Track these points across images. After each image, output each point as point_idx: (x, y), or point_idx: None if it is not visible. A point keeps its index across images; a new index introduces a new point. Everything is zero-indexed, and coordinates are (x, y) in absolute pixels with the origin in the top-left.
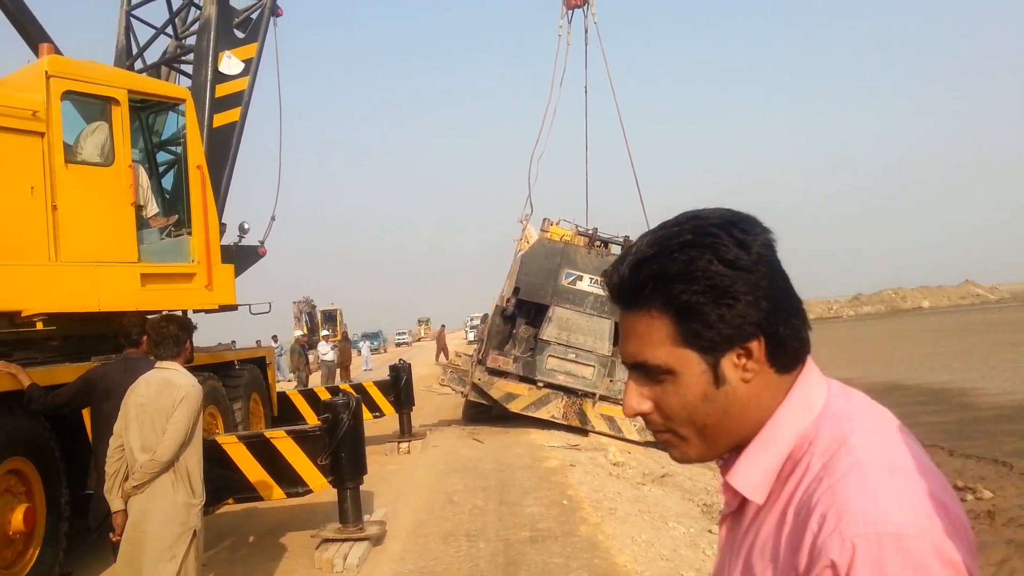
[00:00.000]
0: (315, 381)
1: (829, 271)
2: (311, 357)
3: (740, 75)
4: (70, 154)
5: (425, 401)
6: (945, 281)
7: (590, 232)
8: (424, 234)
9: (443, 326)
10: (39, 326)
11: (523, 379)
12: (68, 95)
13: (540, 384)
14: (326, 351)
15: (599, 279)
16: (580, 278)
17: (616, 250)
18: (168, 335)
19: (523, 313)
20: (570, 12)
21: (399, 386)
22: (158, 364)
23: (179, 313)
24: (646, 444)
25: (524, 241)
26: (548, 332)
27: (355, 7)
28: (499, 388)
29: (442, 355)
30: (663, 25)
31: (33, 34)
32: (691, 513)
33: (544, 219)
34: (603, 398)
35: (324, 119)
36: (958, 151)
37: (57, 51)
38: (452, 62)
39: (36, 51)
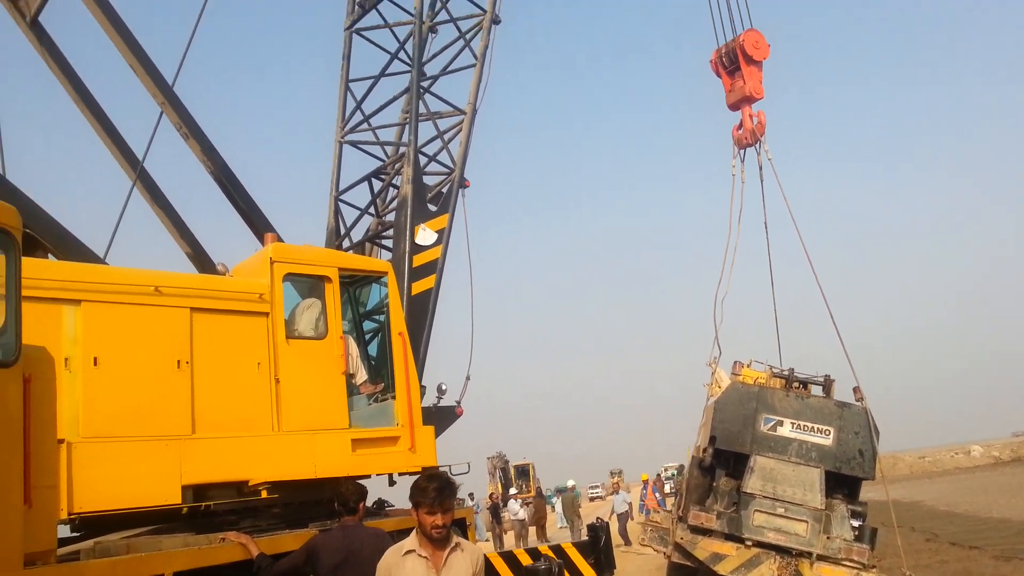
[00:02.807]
0: (509, 541)
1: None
2: (504, 515)
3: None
4: (289, 330)
5: (625, 562)
6: None
7: (786, 373)
8: (611, 385)
9: (647, 479)
10: (263, 494)
11: (729, 537)
12: (288, 277)
13: (749, 543)
14: (517, 510)
15: (803, 424)
16: (780, 423)
17: (816, 391)
18: None
19: (721, 463)
20: (742, 151)
21: (599, 547)
22: None
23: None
24: None
25: (715, 385)
26: (752, 484)
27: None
28: (704, 548)
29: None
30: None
31: (259, 224)
32: None
33: (735, 362)
34: (821, 557)
35: (509, 276)
36: None
37: (279, 238)
38: (634, 207)
39: (261, 239)
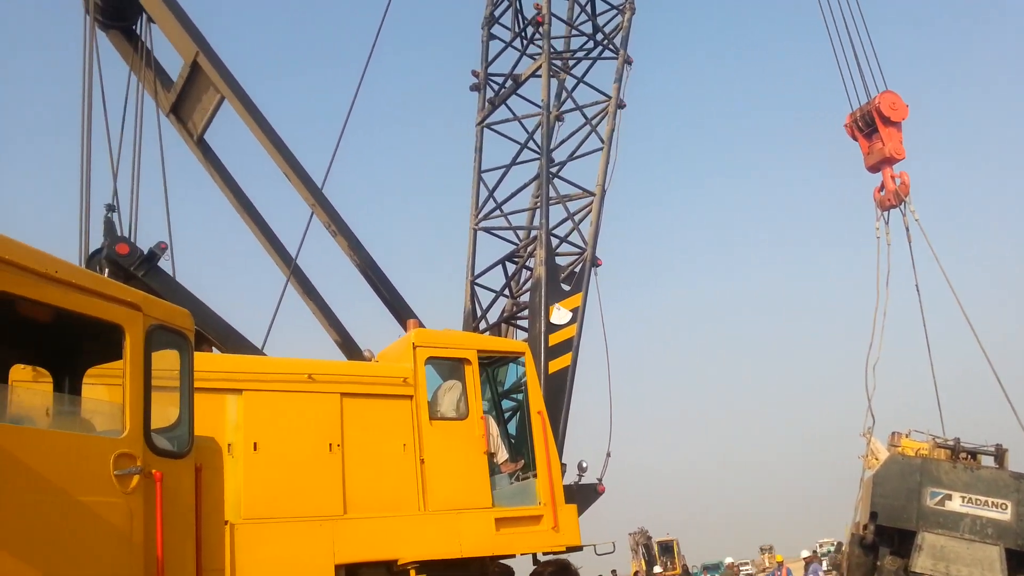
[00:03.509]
0: None
1: None
2: None
3: None
4: (432, 411)
5: None
6: None
7: (951, 443)
8: (753, 457)
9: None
10: (412, 574)
11: None
12: (430, 360)
13: None
14: None
15: (975, 498)
16: (949, 497)
17: (988, 461)
18: None
19: (885, 540)
20: (885, 213)
21: None
22: None
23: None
24: None
25: (872, 457)
26: (921, 563)
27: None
28: None
29: None
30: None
31: (402, 311)
32: None
33: (893, 432)
34: None
35: (642, 346)
36: None
37: (420, 324)
38: (755, 272)
39: (404, 325)
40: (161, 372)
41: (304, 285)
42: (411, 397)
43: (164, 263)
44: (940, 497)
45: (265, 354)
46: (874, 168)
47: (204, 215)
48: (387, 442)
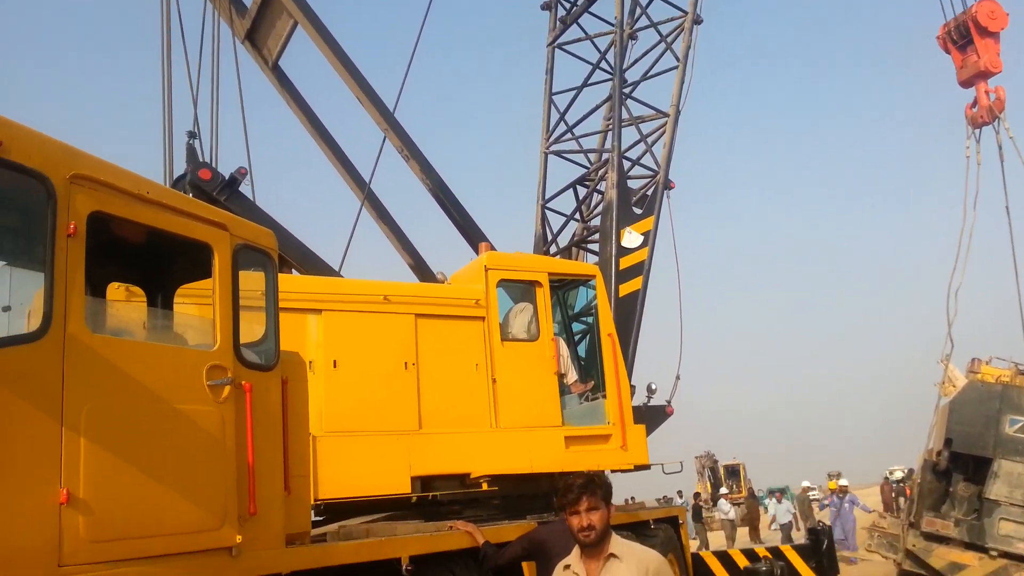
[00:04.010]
0: (715, 540)
1: None
2: (714, 515)
3: None
4: (503, 333)
5: (848, 570)
6: None
7: None
8: (825, 384)
9: (886, 478)
10: (484, 487)
11: (969, 546)
12: (502, 283)
13: (994, 553)
14: (728, 509)
15: None
16: None
17: None
18: None
19: (959, 468)
20: (977, 131)
21: (820, 551)
22: None
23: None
24: None
25: (949, 384)
26: (996, 490)
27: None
28: (940, 556)
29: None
30: None
31: (473, 235)
32: None
33: (973, 359)
34: None
35: (718, 274)
36: None
37: (492, 247)
38: (844, 196)
39: (476, 248)
40: (247, 291)
41: (378, 209)
42: (483, 319)
43: (244, 188)
44: (1020, 424)
45: (342, 276)
46: (968, 83)
47: (282, 141)
48: (460, 362)
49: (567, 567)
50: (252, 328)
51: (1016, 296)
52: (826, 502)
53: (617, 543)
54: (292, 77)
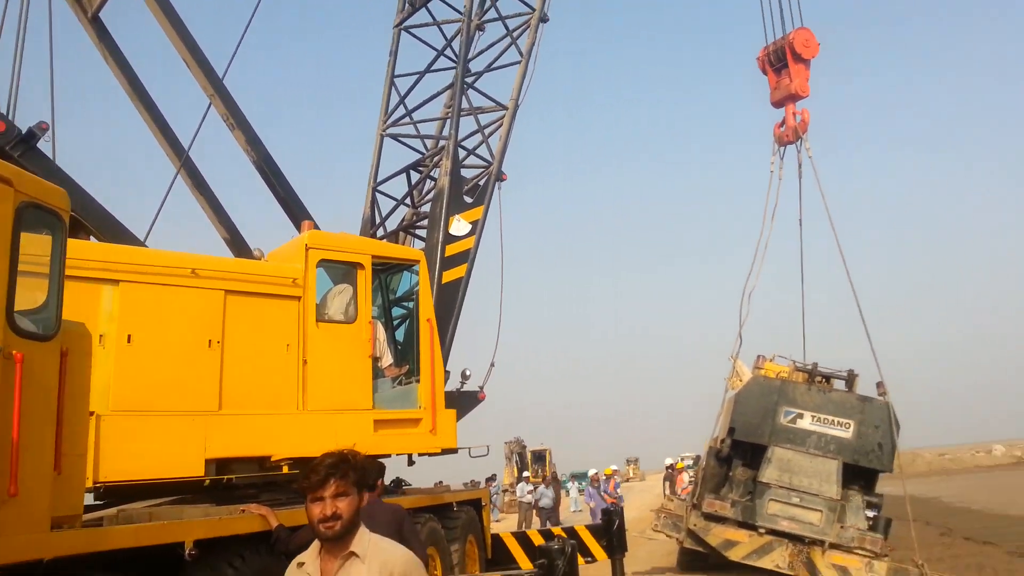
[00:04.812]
0: (510, 523)
1: None
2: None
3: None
4: (320, 314)
5: (637, 547)
6: None
7: (809, 367)
8: (629, 376)
9: (672, 464)
10: (284, 469)
11: (742, 525)
12: (322, 263)
13: (762, 530)
14: (523, 493)
15: (823, 417)
16: (800, 416)
17: (839, 385)
18: None
19: (739, 454)
20: (782, 148)
21: (611, 531)
22: None
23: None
24: None
25: (736, 379)
26: (768, 474)
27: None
28: (716, 534)
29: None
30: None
31: (297, 212)
32: None
33: (758, 356)
34: (833, 546)
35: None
36: None
37: (316, 226)
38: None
39: (298, 227)
40: (31, 255)
41: (195, 178)
42: (299, 299)
43: (44, 145)
44: (793, 416)
45: (147, 246)
46: (779, 103)
47: (95, 99)
48: (270, 342)
49: (301, 565)
50: (32, 295)
51: (800, 300)
52: (591, 489)
53: (362, 539)
54: (114, 31)
